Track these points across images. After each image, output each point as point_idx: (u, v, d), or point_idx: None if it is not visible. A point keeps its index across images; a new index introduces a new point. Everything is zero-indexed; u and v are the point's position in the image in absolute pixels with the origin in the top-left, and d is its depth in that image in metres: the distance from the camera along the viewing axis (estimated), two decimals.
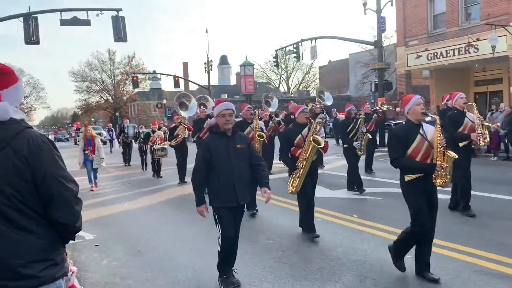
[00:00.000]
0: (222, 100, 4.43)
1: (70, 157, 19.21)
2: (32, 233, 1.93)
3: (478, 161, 14.01)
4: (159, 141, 12.93)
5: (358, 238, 5.83)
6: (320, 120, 5.93)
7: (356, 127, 9.08)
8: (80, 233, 6.78)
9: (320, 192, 9.33)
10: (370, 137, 9.77)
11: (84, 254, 5.77)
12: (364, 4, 20.59)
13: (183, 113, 11.19)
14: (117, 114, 58.55)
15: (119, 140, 18.25)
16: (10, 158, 1.87)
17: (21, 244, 1.89)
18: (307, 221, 5.91)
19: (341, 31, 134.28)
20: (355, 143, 8.93)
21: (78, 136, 38.05)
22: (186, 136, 11.61)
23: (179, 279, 4.70)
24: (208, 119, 11.06)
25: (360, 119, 9.25)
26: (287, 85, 65.20)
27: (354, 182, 9.09)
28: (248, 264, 5.01)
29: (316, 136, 5.61)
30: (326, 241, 5.72)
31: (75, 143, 39.59)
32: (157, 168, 13.18)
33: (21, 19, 16.68)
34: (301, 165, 5.58)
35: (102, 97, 64.22)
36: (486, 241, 5.40)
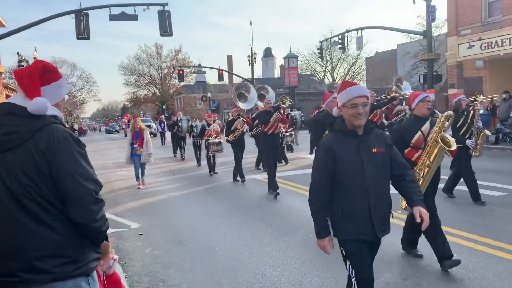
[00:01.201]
0: (351, 82, 3.01)
1: (118, 148, 19.79)
2: (51, 228, 1.93)
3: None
4: (214, 135, 11.98)
5: (401, 234, 5.64)
6: (451, 113, 4.50)
7: (468, 121, 7.42)
8: (125, 221, 7.11)
9: None
10: (489, 134, 8.13)
11: (128, 242, 5.97)
12: None
13: (241, 105, 10.25)
14: (164, 107, 60.04)
15: (174, 132, 17.21)
16: (30, 151, 1.91)
17: (39, 238, 1.91)
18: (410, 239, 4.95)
19: (389, 21, 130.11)
20: (468, 141, 7.21)
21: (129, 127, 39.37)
22: (245, 131, 10.71)
23: (218, 269, 4.76)
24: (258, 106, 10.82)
25: (474, 111, 7.52)
26: (332, 76, 64.22)
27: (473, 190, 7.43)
28: (287, 257, 4.99)
29: (445, 134, 4.40)
30: None
31: (125, 135, 41.05)
32: (212, 164, 12.21)
33: (72, 15, 17.38)
34: (422, 173, 4.38)
35: (149, 90, 66.12)
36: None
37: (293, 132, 14.56)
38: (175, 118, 17.54)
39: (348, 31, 24.31)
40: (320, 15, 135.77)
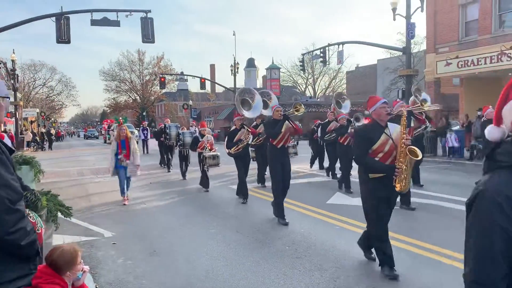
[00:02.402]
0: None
1: (96, 154, 19.49)
2: None
3: None
4: (208, 147, 10.78)
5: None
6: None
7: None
8: (99, 230, 6.97)
9: (339, 199, 9.24)
10: None
11: (101, 251, 5.86)
12: (394, 10, 20.24)
13: (246, 113, 8.72)
14: (144, 113, 59.55)
15: (161, 140, 15.74)
16: None
17: None
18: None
19: (369, 36, 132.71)
20: None
21: (109, 134, 38.75)
22: (250, 142, 9.58)
23: (192, 281, 4.70)
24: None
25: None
26: (314, 89, 64.86)
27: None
28: (262, 270, 4.97)
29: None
30: (342, 250, 5.63)
31: (105, 142, 40.39)
32: (205, 180, 10.80)
33: (53, 18, 17.16)
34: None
35: (130, 97, 65.62)
36: None
37: (295, 143, 13.62)
38: (163, 125, 16.13)
39: (329, 45, 24.63)
40: (303, 28, 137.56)
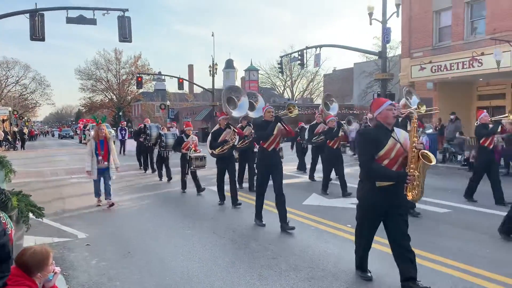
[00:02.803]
0: None
1: (70, 154, 19.14)
2: None
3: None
4: (193, 148, 10.43)
5: (350, 248, 5.78)
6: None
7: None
8: (72, 231, 6.86)
9: (315, 200, 9.33)
10: None
11: (74, 253, 5.76)
12: (370, 14, 20.59)
13: (234, 113, 8.29)
14: (120, 113, 58.75)
15: (141, 141, 15.02)
16: None
17: None
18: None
19: (347, 40, 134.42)
20: None
21: (84, 134, 37.87)
22: (236, 143, 9.10)
23: (167, 282, 4.67)
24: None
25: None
26: (292, 91, 65.24)
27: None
28: (238, 270, 4.98)
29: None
30: (318, 250, 5.69)
31: (80, 142, 39.56)
32: (195, 183, 10.40)
33: (27, 15, 16.76)
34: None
35: (106, 96, 64.61)
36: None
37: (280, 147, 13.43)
38: (142, 125, 15.50)
39: (307, 48, 24.83)
40: (282, 30, 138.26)
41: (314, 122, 12.01)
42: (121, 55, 61.42)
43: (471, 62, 19.04)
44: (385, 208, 4.24)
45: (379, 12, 20.51)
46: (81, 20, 17.50)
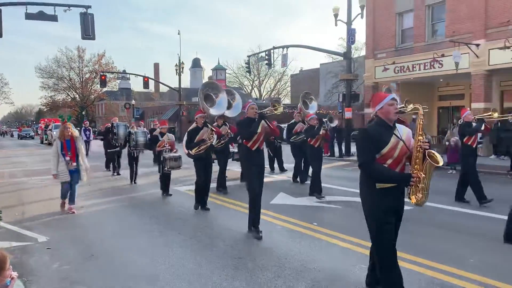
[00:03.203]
0: None
1: (31, 155, 18.49)
2: None
3: (439, 173, 14.44)
4: (169, 147, 10.00)
5: (316, 246, 5.85)
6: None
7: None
8: (32, 234, 6.62)
9: (282, 199, 9.39)
10: None
11: (34, 257, 5.55)
12: (336, 16, 20.92)
13: (212, 110, 7.84)
14: (83, 113, 57.22)
15: (107, 141, 14.42)
16: None
17: None
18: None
19: (313, 41, 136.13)
20: None
21: (46, 134, 36.45)
22: (214, 143, 8.66)
23: (131, 285, 4.58)
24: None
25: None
26: (259, 91, 65.49)
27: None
28: (204, 271, 4.94)
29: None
30: (284, 249, 5.72)
31: (42, 142, 38.24)
32: (166, 184, 10.06)
33: None
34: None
35: (69, 95, 62.72)
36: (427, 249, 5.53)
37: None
38: (109, 124, 14.72)
39: (274, 48, 24.97)
40: (250, 30, 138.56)
41: (293, 121, 11.78)
42: (84, 53, 59.71)
43: (432, 64, 19.69)
44: (386, 211, 3.80)
45: (345, 13, 20.88)
46: (41, 16, 16.91)
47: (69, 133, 8.11)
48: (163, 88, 62.29)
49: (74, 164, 8.10)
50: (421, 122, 3.83)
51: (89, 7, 17.23)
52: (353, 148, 16.82)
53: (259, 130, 6.48)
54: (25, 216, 8.02)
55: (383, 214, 3.76)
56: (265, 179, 12.01)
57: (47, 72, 60.00)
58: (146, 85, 34.80)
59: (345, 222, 7.35)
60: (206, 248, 5.88)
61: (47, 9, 16.92)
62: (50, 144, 32.91)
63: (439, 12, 20.31)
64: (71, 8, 17.09)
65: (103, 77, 35.11)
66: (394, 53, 21.92)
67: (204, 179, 8.32)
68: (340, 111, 23.41)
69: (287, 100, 60.95)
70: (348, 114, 21.00)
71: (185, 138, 8.54)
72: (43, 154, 23.37)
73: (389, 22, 22.14)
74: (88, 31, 17.35)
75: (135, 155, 12.07)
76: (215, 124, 10.02)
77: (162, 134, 10.15)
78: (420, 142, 3.70)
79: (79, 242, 6.26)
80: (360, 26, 49.09)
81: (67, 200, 8.33)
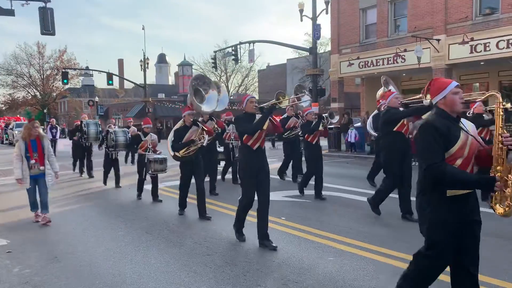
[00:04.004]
0: None
1: None
2: None
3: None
4: (152, 149, 9.19)
5: (284, 240, 5.89)
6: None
7: None
8: None
9: None
10: None
11: None
12: (301, 11, 21.06)
13: (204, 107, 7.12)
14: (45, 111, 55.37)
15: (76, 140, 13.36)
16: None
17: None
18: None
19: (280, 36, 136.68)
20: None
21: (7, 134, 34.84)
22: (204, 144, 7.43)
23: (96, 286, 4.47)
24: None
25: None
26: (227, 87, 65.19)
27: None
28: (172, 269, 4.88)
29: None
30: (252, 244, 5.72)
31: (2, 142, 36.71)
32: (152, 189, 9.05)
33: None
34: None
35: (29, 93, 60.53)
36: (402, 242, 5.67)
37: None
38: (79, 122, 13.72)
39: (241, 43, 24.94)
40: (215, 25, 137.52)
41: (285, 115, 11.04)
42: (45, 49, 57.70)
43: (395, 58, 20.13)
44: (459, 226, 3.05)
45: (310, 9, 21.03)
46: None
47: (36, 133, 7.07)
48: (128, 85, 61.02)
49: (42, 167, 7.06)
50: (501, 113, 3.09)
51: (48, 1, 16.63)
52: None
53: (265, 127, 5.62)
54: None
55: (449, 232, 3.03)
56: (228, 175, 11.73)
57: (5, 69, 57.67)
58: (110, 81, 33.93)
59: (314, 215, 7.43)
60: (174, 246, 5.81)
61: (3, 3, 16.28)
62: (11, 144, 31.66)
63: (401, 8, 20.78)
64: (29, 2, 16.45)
65: (64, 74, 34.00)
66: (358, 48, 22.28)
67: (199, 184, 7.34)
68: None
69: (255, 95, 60.99)
70: (315, 109, 21.21)
71: (170, 137, 7.59)
72: (3, 154, 22.49)
73: (353, 18, 22.47)
74: (47, 26, 16.75)
75: (114, 157, 10.97)
76: (200, 119, 8.61)
77: (145, 134, 9.25)
78: (502, 137, 2.98)
79: (41, 244, 6.06)
80: (326, 21, 49.77)
81: (39, 211, 7.27)
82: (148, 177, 9.22)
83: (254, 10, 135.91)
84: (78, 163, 13.92)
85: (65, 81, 34.84)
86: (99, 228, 6.93)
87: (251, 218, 7.19)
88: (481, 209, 3.16)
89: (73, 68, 50.53)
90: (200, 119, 8.09)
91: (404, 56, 19.63)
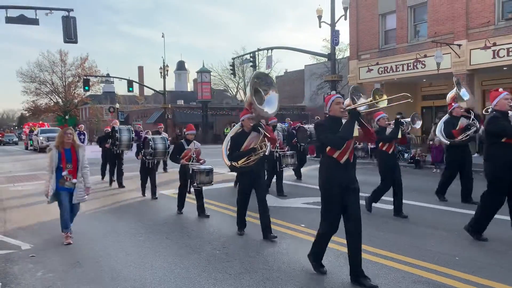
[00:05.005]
0: None
1: (13, 162, 18.00)
2: None
3: (423, 172, 14.60)
4: (196, 158, 8.26)
5: (303, 248, 5.84)
6: None
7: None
8: (15, 242, 6.49)
9: (270, 201, 9.36)
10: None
11: (17, 265, 5.44)
12: (319, 17, 21.06)
13: (267, 109, 6.15)
14: (67, 117, 56.45)
15: (107, 147, 12.65)
16: None
17: None
18: None
19: (297, 42, 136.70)
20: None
21: (31, 140, 35.12)
22: (267, 152, 6.55)
23: None
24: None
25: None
26: (245, 93, 65.34)
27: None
28: (192, 276, 4.89)
29: None
30: (272, 251, 5.71)
31: (27, 148, 37.37)
32: (198, 204, 8.17)
33: None
34: None
35: (51, 99, 61.80)
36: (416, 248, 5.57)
37: (293, 152, 10.66)
38: (109, 128, 12.89)
39: (259, 49, 25.04)
40: (234, 32, 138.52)
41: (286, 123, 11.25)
42: (67, 57, 58.90)
43: (415, 64, 19.94)
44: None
45: (328, 15, 21.01)
46: (22, 20, 16.63)
47: (70, 140, 6.30)
48: (148, 91, 61.85)
49: (75, 180, 6.30)
50: None
51: (71, 10, 17.01)
52: None
53: (355, 134, 4.51)
54: (8, 224, 7.86)
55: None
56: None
57: (29, 77, 59.06)
58: (130, 88, 34.39)
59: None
60: (193, 252, 5.83)
61: (28, 12, 16.67)
62: (36, 150, 32.26)
63: (421, 13, 20.59)
64: (52, 11, 16.87)
65: (86, 81, 34.65)
66: (377, 54, 22.13)
67: (261, 198, 6.39)
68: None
69: None
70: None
71: (226, 144, 6.78)
72: (27, 160, 23.01)
73: (372, 23, 22.36)
74: (70, 35, 17.12)
75: (151, 166, 10.18)
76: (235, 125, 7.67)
77: (188, 142, 8.28)
78: None
79: (63, 249, 6.16)
80: (344, 27, 49.62)
81: (68, 232, 6.44)
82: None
83: (271, 17, 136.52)
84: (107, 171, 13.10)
85: (86, 88, 35.64)
86: (120, 233, 7.00)
87: (252, 219, 7.17)
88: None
89: (94, 75, 51.43)
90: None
91: (424, 61, 19.42)
